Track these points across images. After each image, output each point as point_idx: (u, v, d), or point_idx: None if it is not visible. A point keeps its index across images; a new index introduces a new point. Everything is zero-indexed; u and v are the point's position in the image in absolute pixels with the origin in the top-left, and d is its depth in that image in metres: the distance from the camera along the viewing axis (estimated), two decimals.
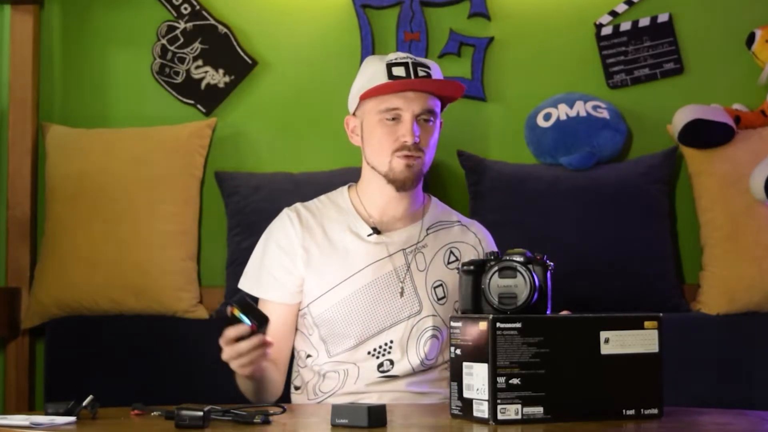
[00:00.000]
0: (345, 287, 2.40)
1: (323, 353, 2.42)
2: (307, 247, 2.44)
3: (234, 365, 2.17)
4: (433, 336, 2.41)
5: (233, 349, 2.14)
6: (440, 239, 2.49)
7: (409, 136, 2.37)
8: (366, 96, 2.41)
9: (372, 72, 2.43)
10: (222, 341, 2.15)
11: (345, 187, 2.54)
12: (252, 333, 2.11)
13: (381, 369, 2.39)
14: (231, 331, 2.13)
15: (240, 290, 2.50)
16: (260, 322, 2.11)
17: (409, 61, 2.42)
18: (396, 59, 2.42)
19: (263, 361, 2.22)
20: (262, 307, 2.43)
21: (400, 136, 2.38)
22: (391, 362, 2.39)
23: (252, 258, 2.51)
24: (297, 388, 2.49)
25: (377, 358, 2.40)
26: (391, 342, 2.40)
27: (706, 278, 3.09)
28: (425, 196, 2.54)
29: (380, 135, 2.40)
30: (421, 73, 2.40)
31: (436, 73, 2.45)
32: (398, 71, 2.40)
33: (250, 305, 2.13)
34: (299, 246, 2.44)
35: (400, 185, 2.41)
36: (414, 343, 2.39)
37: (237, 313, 2.10)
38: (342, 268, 2.41)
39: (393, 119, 2.39)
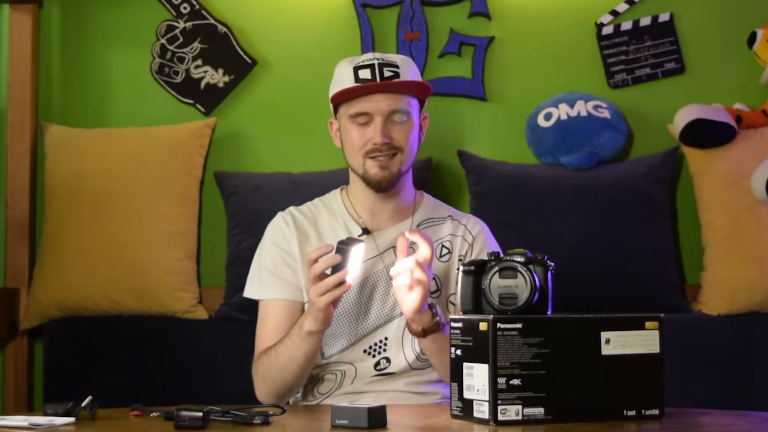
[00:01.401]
0: None
1: (318, 356, 2.41)
2: (302, 249, 2.44)
3: (319, 303, 2.17)
4: None
5: (324, 283, 2.14)
6: (431, 235, 2.48)
7: (378, 137, 2.38)
8: (334, 101, 2.45)
9: (341, 76, 2.44)
10: (309, 274, 2.17)
11: (338, 190, 2.55)
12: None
13: (378, 367, 2.39)
14: (319, 265, 2.14)
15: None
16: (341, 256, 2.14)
17: (376, 62, 2.41)
18: (363, 61, 2.42)
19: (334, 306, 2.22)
20: (267, 308, 2.43)
21: (370, 138, 2.39)
22: (388, 360, 2.39)
23: (252, 265, 2.52)
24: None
25: (373, 356, 2.39)
26: (386, 339, 2.40)
27: (707, 278, 3.08)
28: (417, 193, 2.55)
29: (353, 138, 2.42)
30: (387, 74, 2.40)
31: (407, 70, 2.44)
32: (364, 74, 2.40)
33: (345, 248, 2.15)
34: (295, 247, 2.44)
35: (377, 187, 2.42)
36: (409, 338, 2.38)
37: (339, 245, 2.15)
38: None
39: (363, 122, 2.40)
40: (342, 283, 2.15)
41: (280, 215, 2.51)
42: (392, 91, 2.39)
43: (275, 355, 2.32)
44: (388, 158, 2.39)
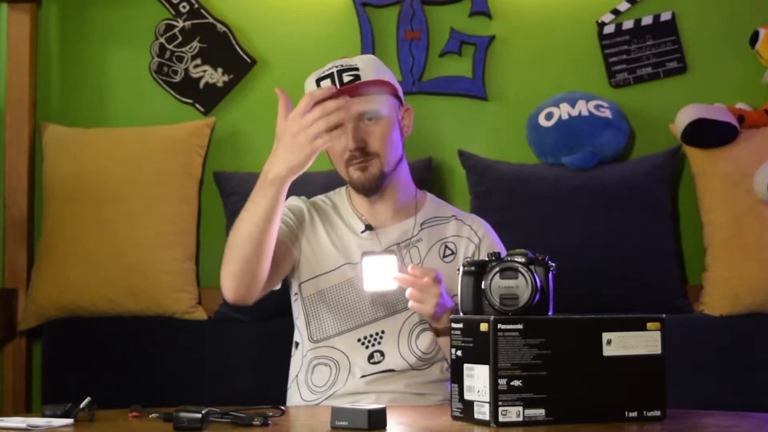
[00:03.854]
0: (338, 274, 2.43)
1: (305, 338, 2.41)
2: (314, 224, 2.48)
3: (310, 131, 2.13)
4: (426, 329, 2.41)
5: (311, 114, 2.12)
6: (434, 234, 2.49)
7: (351, 143, 2.39)
8: None
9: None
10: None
11: (343, 188, 2.58)
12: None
13: (372, 361, 2.39)
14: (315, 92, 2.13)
15: None
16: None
17: (335, 70, 2.41)
18: (323, 72, 2.43)
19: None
20: None
21: (345, 146, 2.40)
22: (381, 354, 2.39)
23: None
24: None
25: (366, 347, 2.40)
26: (383, 332, 2.41)
27: (709, 279, 3.07)
28: (420, 193, 2.54)
29: (334, 149, 2.43)
30: (347, 79, 2.40)
31: (369, 70, 2.42)
32: (325, 84, 2.39)
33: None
34: (307, 218, 2.48)
35: (363, 191, 2.44)
36: (406, 336, 2.39)
37: None
38: (337, 256, 2.44)
39: (337, 129, 2.38)
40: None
41: (294, 197, 2.54)
42: (358, 94, 2.38)
43: (236, 226, 2.26)
44: (366, 162, 2.40)
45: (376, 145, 2.40)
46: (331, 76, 2.40)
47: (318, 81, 2.41)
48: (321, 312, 2.42)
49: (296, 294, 2.49)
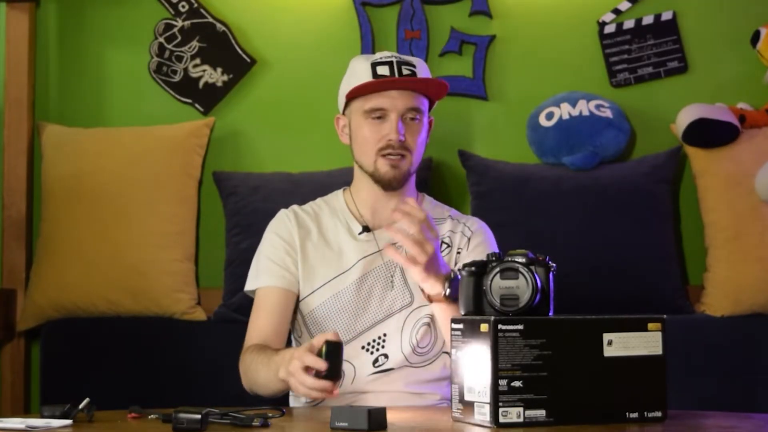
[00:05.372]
0: (336, 284, 2.41)
1: None
2: (303, 243, 2.45)
3: (291, 382, 2.09)
4: (426, 324, 2.40)
5: (304, 378, 2.04)
6: None
7: (394, 134, 2.38)
8: (351, 95, 2.43)
9: (357, 71, 2.44)
10: (297, 358, 2.06)
11: (340, 190, 2.56)
12: (324, 375, 2.01)
13: (376, 365, 2.39)
14: (309, 358, 2.02)
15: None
16: (333, 371, 2.00)
17: (394, 59, 2.42)
18: (381, 58, 2.43)
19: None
20: (261, 295, 2.43)
21: (384, 135, 2.39)
22: (386, 356, 2.39)
23: (253, 261, 2.50)
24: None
25: (371, 353, 2.39)
26: (385, 335, 2.40)
27: (711, 279, 3.06)
28: (419, 195, 2.54)
29: (366, 134, 2.41)
30: (405, 72, 2.41)
31: (422, 71, 2.45)
32: (382, 70, 2.40)
33: (338, 353, 2.02)
34: (297, 240, 2.45)
35: (386, 185, 2.42)
36: (407, 333, 2.38)
37: (323, 350, 2.01)
38: (334, 265, 2.43)
39: (378, 118, 2.40)
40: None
41: (282, 211, 2.52)
42: (409, 89, 2.40)
43: (255, 371, 2.30)
44: (399, 158, 2.39)
45: (412, 143, 2.41)
46: (390, 64, 2.41)
47: (374, 65, 2.40)
48: (324, 326, 2.41)
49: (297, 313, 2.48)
